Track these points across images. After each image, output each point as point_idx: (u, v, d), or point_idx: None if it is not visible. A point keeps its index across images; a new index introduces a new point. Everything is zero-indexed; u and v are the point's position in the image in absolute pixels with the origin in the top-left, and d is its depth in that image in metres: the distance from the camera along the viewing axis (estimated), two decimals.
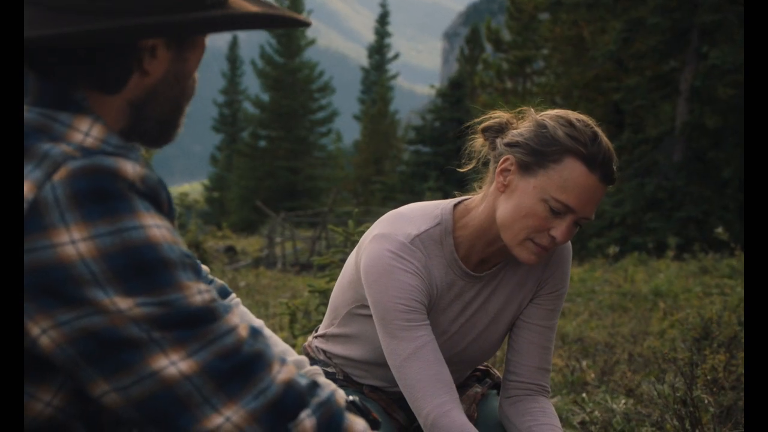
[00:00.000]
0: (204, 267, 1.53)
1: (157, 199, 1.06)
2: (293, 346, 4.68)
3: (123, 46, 1.10)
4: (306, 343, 2.23)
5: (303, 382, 1.09)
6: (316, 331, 2.20)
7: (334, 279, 4.53)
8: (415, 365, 1.82)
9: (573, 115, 1.80)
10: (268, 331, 1.50)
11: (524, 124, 1.82)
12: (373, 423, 1.33)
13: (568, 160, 1.72)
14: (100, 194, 0.98)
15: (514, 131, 1.82)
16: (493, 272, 1.95)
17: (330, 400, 1.10)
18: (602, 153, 1.73)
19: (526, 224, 1.76)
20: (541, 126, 1.78)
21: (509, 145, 1.80)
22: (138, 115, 1.16)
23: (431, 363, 1.82)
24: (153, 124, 1.18)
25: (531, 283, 1.98)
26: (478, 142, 1.91)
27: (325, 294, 4.56)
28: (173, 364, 0.99)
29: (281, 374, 1.06)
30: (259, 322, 1.51)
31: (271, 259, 19.85)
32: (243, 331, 1.06)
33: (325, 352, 2.13)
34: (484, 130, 1.88)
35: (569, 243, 1.99)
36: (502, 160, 1.81)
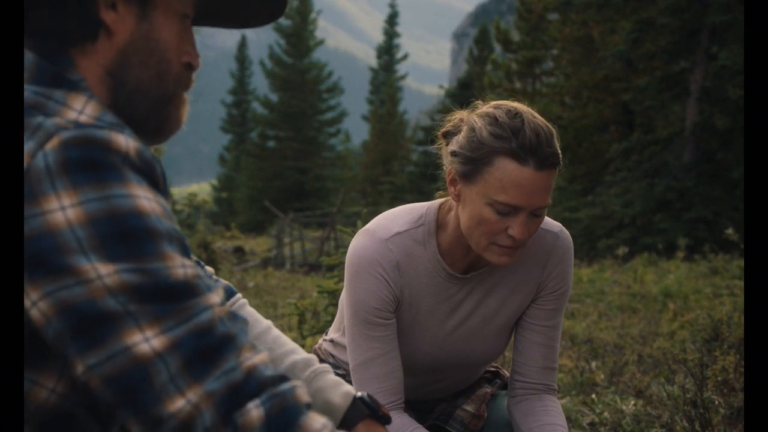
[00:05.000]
0: (209, 268, 1.53)
1: (152, 174, 1.05)
2: (301, 347, 4.69)
3: None
4: (316, 346, 2.23)
5: (268, 372, 1.05)
6: (326, 334, 2.21)
7: (342, 280, 4.53)
8: (365, 373, 1.88)
9: (504, 107, 1.75)
10: (276, 331, 1.50)
11: (463, 127, 1.79)
12: (383, 418, 1.33)
13: (498, 160, 1.69)
14: (91, 163, 0.98)
15: (455, 139, 1.79)
16: (481, 273, 1.94)
17: (286, 393, 1.05)
18: (528, 142, 1.67)
19: (482, 231, 1.75)
20: (471, 130, 1.75)
21: (451, 154, 1.79)
22: (115, 84, 1.16)
23: (377, 375, 1.88)
24: (138, 99, 1.18)
25: (531, 285, 1.97)
26: (443, 148, 1.87)
27: (334, 294, 4.57)
28: (146, 340, 0.97)
29: (249, 361, 1.04)
30: (267, 323, 1.51)
31: (280, 259, 19.87)
32: (220, 312, 1.05)
33: (333, 356, 2.13)
34: (444, 135, 1.86)
35: (568, 240, 1.97)
36: (447, 172, 1.81)
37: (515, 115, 1.72)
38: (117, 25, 1.15)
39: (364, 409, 1.33)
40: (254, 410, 1.01)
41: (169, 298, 0.99)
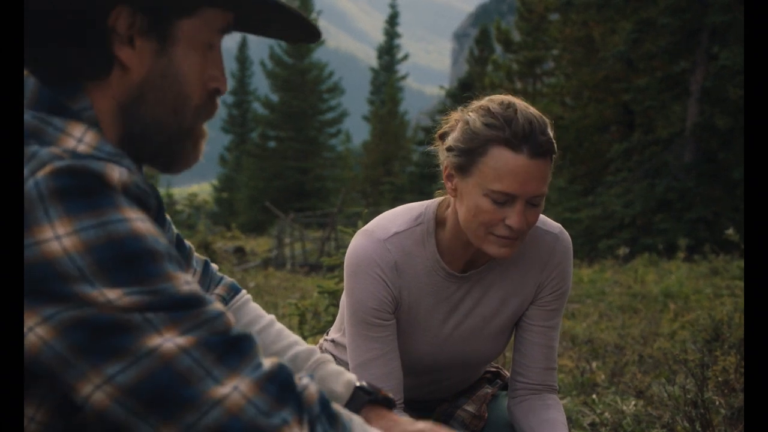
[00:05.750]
0: (213, 265, 1.54)
1: (145, 204, 1.04)
2: None
3: (91, 23, 1.09)
4: (317, 346, 2.23)
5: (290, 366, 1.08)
6: (327, 334, 2.21)
7: (343, 280, 4.53)
8: (364, 374, 1.88)
9: (497, 99, 1.77)
10: (279, 325, 1.51)
11: (458, 124, 1.80)
12: (385, 401, 1.35)
13: (492, 149, 1.70)
14: (83, 191, 0.97)
15: (451, 136, 1.81)
16: (480, 272, 1.94)
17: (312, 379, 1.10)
18: (521, 130, 1.68)
19: (479, 221, 1.75)
20: (465, 123, 1.77)
21: (447, 150, 1.80)
22: (129, 117, 1.13)
23: (377, 376, 1.88)
24: (151, 134, 1.15)
25: (530, 286, 1.97)
26: (441, 149, 1.88)
27: (335, 295, 4.56)
28: (169, 340, 0.96)
29: (269, 358, 1.06)
30: (270, 317, 1.52)
31: (280, 259, 19.87)
32: (231, 317, 1.05)
33: (335, 357, 2.14)
34: (441, 137, 1.86)
35: (567, 241, 1.98)
36: (443, 167, 1.82)
37: (508, 105, 1.73)
38: (132, 62, 1.11)
39: (364, 396, 1.35)
40: (311, 385, 1.06)
41: (182, 308, 0.99)
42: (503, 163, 1.69)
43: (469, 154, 1.73)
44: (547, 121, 1.74)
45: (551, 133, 1.73)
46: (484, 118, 1.73)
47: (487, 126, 1.71)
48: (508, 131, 1.69)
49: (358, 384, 1.37)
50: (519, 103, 1.75)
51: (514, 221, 1.72)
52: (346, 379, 1.38)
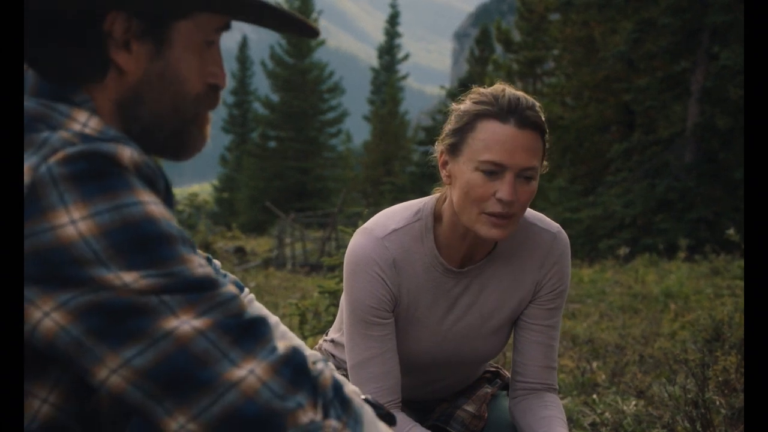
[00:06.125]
0: (216, 261, 1.54)
1: (154, 185, 1.05)
2: None
3: (88, 26, 1.10)
4: (316, 346, 2.24)
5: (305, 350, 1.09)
6: (326, 334, 2.22)
7: (343, 280, 4.53)
8: (362, 373, 1.89)
9: (489, 86, 1.84)
10: (283, 327, 1.51)
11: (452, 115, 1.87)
12: (387, 417, 1.33)
13: (480, 123, 1.77)
14: (98, 174, 0.98)
15: (445, 128, 1.87)
16: (479, 267, 1.95)
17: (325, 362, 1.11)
18: (508, 103, 1.76)
19: (471, 198, 1.78)
20: (457, 110, 1.84)
21: (441, 140, 1.86)
22: (127, 117, 1.15)
23: (375, 375, 1.89)
24: (153, 130, 1.17)
25: (528, 284, 1.98)
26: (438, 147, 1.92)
27: (335, 295, 4.57)
28: (185, 323, 0.97)
29: (283, 342, 1.07)
30: (275, 319, 1.53)
31: (281, 259, 19.87)
32: (244, 300, 1.06)
33: (334, 356, 2.14)
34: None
35: (565, 240, 1.99)
36: (438, 155, 1.86)
37: (498, 87, 1.81)
38: (129, 65, 1.12)
39: None
40: (326, 371, 1.06)
41: (197, 290, 1.00)
42: (491, 133, 1.75)
43: (460, 132, 1.80)
44: (536, 102, 1.81)
45: (540, 113, 1.79)
46: (473, 98, 1.81)
47: (475, 103, 1.79)
48: (495, 105, 1.76)
49: (362, 397, 1.37)
50: (509, 88, 1.82)
51: (504, 193, 1.74)
52: (350, 390, 1.38)
